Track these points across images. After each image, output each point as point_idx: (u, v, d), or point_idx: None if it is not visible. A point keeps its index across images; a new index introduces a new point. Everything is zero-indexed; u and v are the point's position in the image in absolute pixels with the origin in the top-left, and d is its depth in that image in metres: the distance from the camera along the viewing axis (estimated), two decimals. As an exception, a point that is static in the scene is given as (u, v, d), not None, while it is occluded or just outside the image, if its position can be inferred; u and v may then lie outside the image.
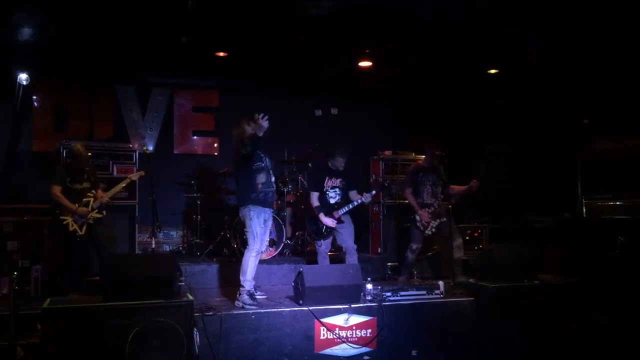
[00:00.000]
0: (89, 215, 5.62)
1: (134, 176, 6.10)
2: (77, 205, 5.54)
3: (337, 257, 6.67)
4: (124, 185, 5.99)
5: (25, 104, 7.61)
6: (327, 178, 6.12)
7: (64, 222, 5.54)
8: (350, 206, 6.05)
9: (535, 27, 6.39)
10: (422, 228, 6.37)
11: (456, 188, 6.38)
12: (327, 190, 6.12)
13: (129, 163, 6.73)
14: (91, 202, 5.67)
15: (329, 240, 6.18)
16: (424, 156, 6.74)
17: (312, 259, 7.02)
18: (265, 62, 7.58)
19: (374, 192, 6.25)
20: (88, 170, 5.84)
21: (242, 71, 7.96)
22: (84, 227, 5.61)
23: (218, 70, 8.00)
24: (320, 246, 6.19)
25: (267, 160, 5.46)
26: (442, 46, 6.99)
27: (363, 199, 6.00)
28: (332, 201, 6.11)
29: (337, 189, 6.13)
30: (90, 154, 5.99)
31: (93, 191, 5.75)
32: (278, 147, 7.47)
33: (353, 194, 6.19)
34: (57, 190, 5.53)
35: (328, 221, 6.00)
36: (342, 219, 6.06)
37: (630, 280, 5.85)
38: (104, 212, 5.81)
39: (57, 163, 6.29)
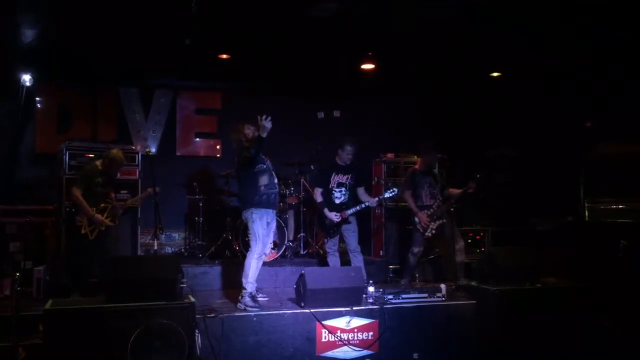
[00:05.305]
0: (103, 224, 5.65)
1: (151, 192, 6.06)
2: (93, 209, 5.57)
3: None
4: (138, 198, 6.16)
5: (29, 105, 7.65)
6: (334, 174, 6.12)
7: (78, 224, 5.56)
8: (359, 208, 6.04)
9: (537, 29, 6.39)
10: (422, 230, 6.37)
11: (454, 191, 6.40)
12: (333, 189, 6.10)
13: (131, 165, 6.72)
14: (108, 210, 5.72)
15: (337, 238, 6.19)
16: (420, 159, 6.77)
17: (312, 261, 7.05)
18: (267, 64, 7.59)
19: (381, 197, 6.26)
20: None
21: (244, 73, 7.96)
22: (95, 232, 5.63)
23: (221, 73, 8.01)
24: (326, 243, 6.22)
25: (268, 162, 5.47)
26: (445, 48, 6.99)
27: (369, 203, 6.04)
28: (337, 201, 6.09)
29: (343, 188, 6.10)
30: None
31: (111, 197, 5.82)
32: (280, 150, 7.47)
33: (361, 191, 6.19)
34: (78, 192, 5.54)
35: (332, 215, 5.99)
36: (349, 219, 6.05)
37: (633, 284, 5.84)
38: (117, 221, 5.86)
39: (87, 163, 6.20)
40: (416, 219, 6.39)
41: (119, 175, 6.58)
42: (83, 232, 5.55)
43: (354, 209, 6.03)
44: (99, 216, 5.60)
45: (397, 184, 7.10)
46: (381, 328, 5.13)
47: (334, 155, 6.19)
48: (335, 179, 6.12)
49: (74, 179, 5.78)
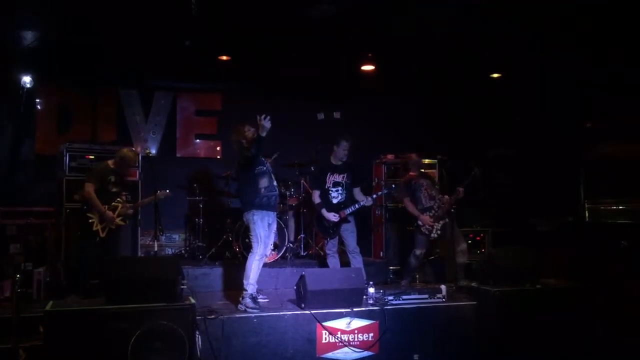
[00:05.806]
0: (114, 222, 5.66)
1: (161, 194, 6.08)
2: (105, 207, 5.59)
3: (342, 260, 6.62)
4: (147, 201, 6.10)
5: (29, 106, 7.65)
6: (329, 173, 6.08)
7: (90, 221, 5.57)
8: (357, 206, 6.01)
9: (540, 31, 6.39)
10: (427, 232, 6.36)
11: (444, 198, 6.41)
12: (329, 189, 6.07)
13: (132, 166, 6.73)
14: (119, 209, 5.72)
15: (336, 239, 6.15)
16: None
17: (312, 262, 7.05)
18: (268, 65, 7.60)
19: (375, 195, 6.27)
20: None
21: (244, 75, 7.97)
22: (106, 230, 5.64)
23: (221, 74, 8.01)
24: (326, 244, 6.21)
25: (268, 164, 5.47)
26: (445, 48, 6.99)
27: (364, 202, 6.02)
28: (334, 201, 6.06)
29: (339, 188, 6.07)
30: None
31: (122, 197, 5.83)
32: (280, 151, 7.46)
33: (357, 191, 6.16)
34: (90, 188, 5.57)
35: (330, 215, 5.96)
36: (348, 218, 6.03)
37: (633, 285, 5.83)
38: (127, 221, 5.88)
39: (99, 162, 6.20)
40: (419, 222, 6.39)
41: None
42: (95, 229, 5.57)
43: (351, 209, 6.01)
44: (110, 213, 5.62)
45: (398, 185, 7.11)
46: (381, 329, 5.12)
47: (330, 156, 6.17)
48: (331, 178, 6.08)
49: (86, 175, 5.79)
